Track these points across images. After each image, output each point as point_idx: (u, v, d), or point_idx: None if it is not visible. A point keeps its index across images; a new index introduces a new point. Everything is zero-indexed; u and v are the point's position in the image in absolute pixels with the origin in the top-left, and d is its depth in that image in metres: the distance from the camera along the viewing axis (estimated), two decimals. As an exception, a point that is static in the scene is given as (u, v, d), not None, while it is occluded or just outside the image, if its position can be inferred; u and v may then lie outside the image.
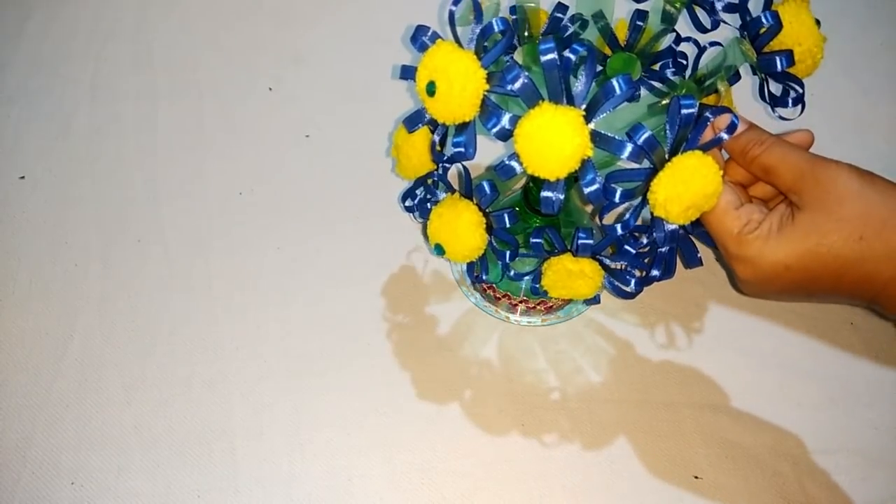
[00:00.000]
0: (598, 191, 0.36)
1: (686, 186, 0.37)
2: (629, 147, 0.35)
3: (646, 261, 0.46)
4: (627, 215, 0.40)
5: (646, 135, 0.35)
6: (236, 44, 0.77)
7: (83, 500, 0.51)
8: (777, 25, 0.40)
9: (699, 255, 0.44)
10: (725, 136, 0.38)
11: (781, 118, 0.45)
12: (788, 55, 0.40)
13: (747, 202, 0.41)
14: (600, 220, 0.41)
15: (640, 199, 0.39)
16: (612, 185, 0.37)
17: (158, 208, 0.65)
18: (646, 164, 0.37)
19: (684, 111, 0.36)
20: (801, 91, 0.43)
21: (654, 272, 0.45)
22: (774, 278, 0.39)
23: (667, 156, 0.37)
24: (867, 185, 0.37)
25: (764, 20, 0.40)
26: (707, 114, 0.38)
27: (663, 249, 0.44)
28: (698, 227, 0.42)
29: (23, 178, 0.66)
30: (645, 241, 0.44)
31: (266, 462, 0.53)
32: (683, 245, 0.43)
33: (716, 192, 0.38)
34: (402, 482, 0.52)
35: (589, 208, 0.58)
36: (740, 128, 0.40)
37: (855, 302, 0.40)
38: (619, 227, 0.40)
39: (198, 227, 0.64)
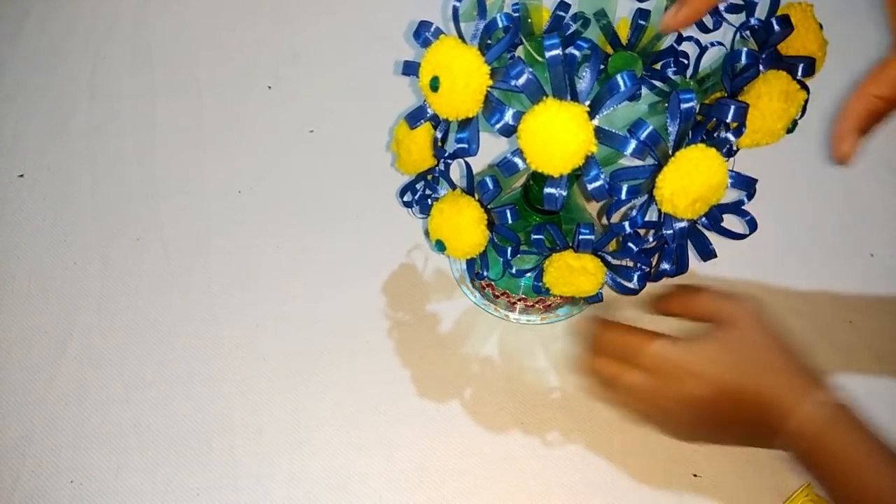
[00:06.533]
0: (601, 187, 0.36)
1: (691, 179, 0.36)
2: (633, 143, 0.35)
3: (653, 257, 0.46)
4: (634, 213, 0.40)
5: (648, 130, 0.35)
6: (235, 42, 0.77)
7: (82, 499, 0.51)
8: (788, 29, 0.40)
9: (712, 247, 0.44)
10: (732, 137, 0.38)
11: None
12: (809, 64, 0.40)
13: None
14: (608, 219, 0.41)
15: (646, 195, 0.39)
16: (618, 183, 0.37)
17: (157, 206, 0.65)
18: (649, 161, 0.37)
19: (684, 105, 0.36)
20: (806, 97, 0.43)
21: (665, 266, 0.45)
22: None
23: (670, 151, 0.37)
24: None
25: (775, 24, 0.40)
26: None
27: (672, 245, 0.44)
28: (714, 222, 0.42)
29: (21, 176, 0.66)
30: (651, 237, 0.43)
31: (265, 460, 0.52)
32: (694, 238, 0.43)
33: (721, 184, 0.38)
34: (401, 480, 0.52)
35: (592, 206, 0.58)
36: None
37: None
38: (626, 224, 0.40)
39: (197, 226, 0.64)
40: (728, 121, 0.38)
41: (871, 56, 0.39)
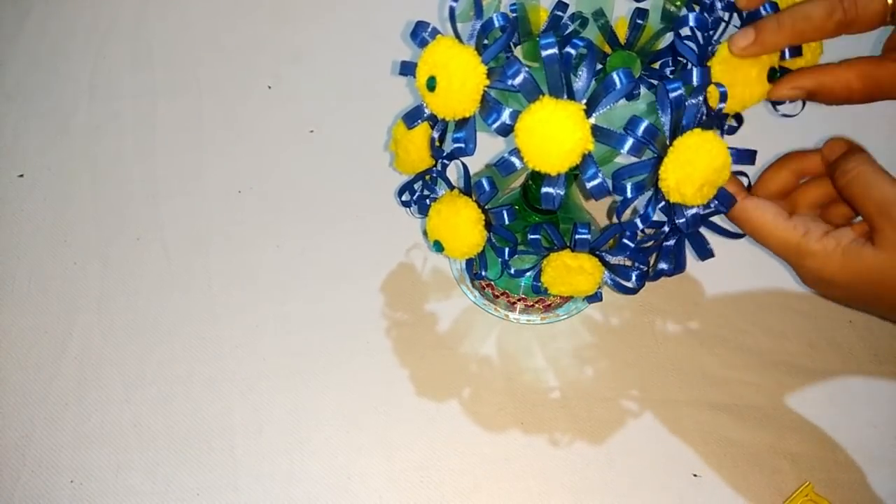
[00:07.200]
0: (600, 185, 0.36)
1: (694, 165, 0.36)
2: (630, 140, 0.35)
3: (651, 256, 0.45)
4: (642, 210, 0.40)
5: (644, 125, 0.35)
6: (235, 42, 0.77)
7: (82, 498, 0.51)
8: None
9: (710, 247, 0.44)
10: (721, 103, 0.38)
11: (784, 115, 0.45)
12: (795, 49, 0.40)
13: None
14: (618, 218, 0.41)
15: (652, 190, 0.38)
16: (622, 182, 0.37)
17: (157, 206, 0.65)
18: (648, 155, 0.37)
19: (672, 94, 0.36)
20: None
21: (662, 265, 0.45)
22: (830, 290, 0.41)
23: (668, 141, 0.37)
24: None
25: (763, 13, 0.40)
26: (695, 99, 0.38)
27: (669, 243, 0.43)
28: (726, 203, 0.42)
29: (21, 176, 0.66)
30: (666, 228, 0.43)
31: (265, 460, 0.53)
32: (692, 238, 0.43)
33: (726, 164, 0.37)
34: (401, 480, 0.52)
35: (591, 206, 0.58)
36: (838, 149, 0.41)
37: None
38: (638, 220, 0.40)
39: (197, 225, 0.64)
40: (698, 84, 0.37)
41: (875, 41, 0.40)
